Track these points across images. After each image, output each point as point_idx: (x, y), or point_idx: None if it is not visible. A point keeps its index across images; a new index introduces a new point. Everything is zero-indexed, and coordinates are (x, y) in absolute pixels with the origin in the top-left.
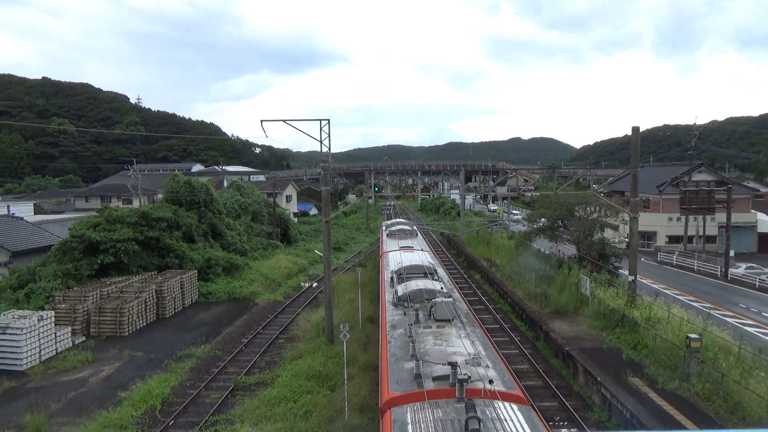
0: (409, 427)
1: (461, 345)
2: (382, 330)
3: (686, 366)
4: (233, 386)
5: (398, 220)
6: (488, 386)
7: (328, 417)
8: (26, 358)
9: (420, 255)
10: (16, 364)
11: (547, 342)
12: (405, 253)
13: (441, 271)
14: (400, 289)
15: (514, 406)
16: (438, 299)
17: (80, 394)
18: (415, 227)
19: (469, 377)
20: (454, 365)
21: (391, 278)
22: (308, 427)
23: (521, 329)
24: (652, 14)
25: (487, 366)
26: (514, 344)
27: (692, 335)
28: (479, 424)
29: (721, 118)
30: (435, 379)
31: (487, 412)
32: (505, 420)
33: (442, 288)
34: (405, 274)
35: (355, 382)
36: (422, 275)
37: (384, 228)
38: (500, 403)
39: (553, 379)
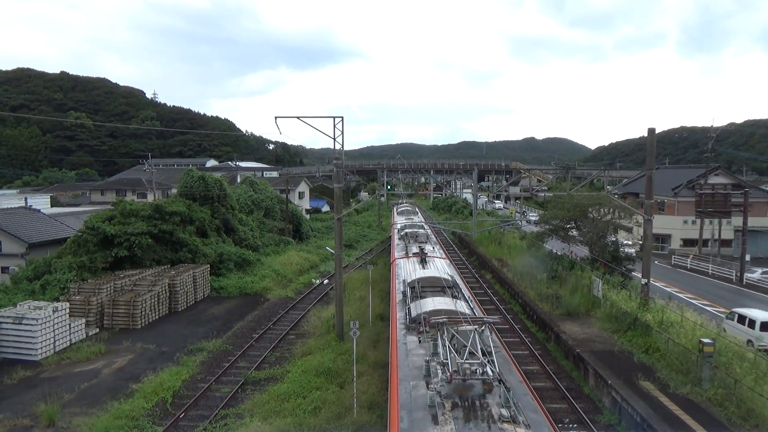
0: (401, 264)
1: (426, 248)
2: (392, 246)
3: (699, 371)
4: (243, 381)
5: (404, 203)
6: (433, 254)
7: (336, 413)
8: (41, 348)
9: (415, 220)
10: (31, 354)
11: (557, 343)
12: (407, 220)
13: (427, 227)
14: (402, 232)
15: (443, 260)
16: (420, 233)
17: (93, 385)
18: (416, 209)
19: (427, 253)
20: (421, 248)
21: (398, 230)
22: (317, 423)
23: (532, 330)
24: (678, 12)
25: (435, 252)
26: (525, 345)
27: (705, 340)
28: (426, 258)
29: (739, 120)
30: (413, 254)
31: (430, 260)
32: (435, 261)
33: (424, 232)
34: (407, 227)
35: (365, 380)
36: (415, 228)
37: (395, 209)
38: (437, 259)
39: (563, 381)
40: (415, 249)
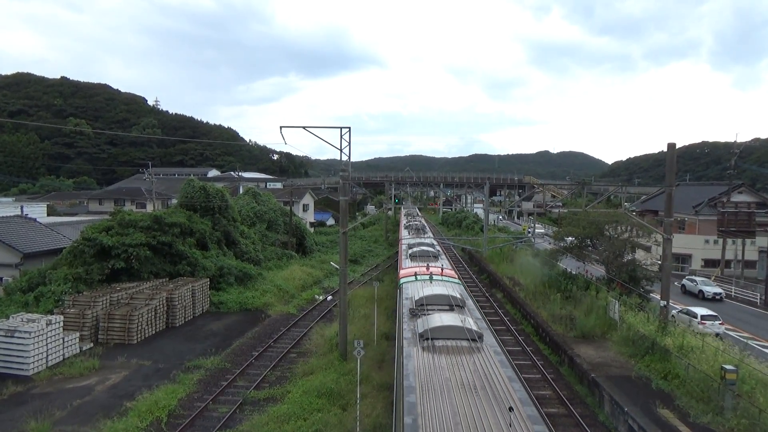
0: (404, 219)
1: (419, 224)
2: (400, 228)
3: (721, 399)
4: (242, 401)
5: (410, 208)
6: (422, 226)
7: None
8: (33, 363)
9: (417, 218)
10: (23, 369)
11: (571, 367)
12: (410, 218)
13: (423, 221)
14: (407, 222)
15: (422, 217)
16: (417, 222)
17: (85, 403)
18: (417, 210)
19: (418, 227)
20: (414, 223)
21: (403, 222)
22: None
23: (544, 353)
24: (715, 20)
25: (426, 228)
26: (536, 368)
27: (728, 366)
28: (417, 220)
29: (764, 135)
30: (411, 223)
31: (421, 229)
32: (419, 219)
33: (421, 222)
34: (410, 222)
35: (368, 402)
36: (415, 221)
37: (403, 211)
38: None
39: (577, 407)
40: (411, 221)
